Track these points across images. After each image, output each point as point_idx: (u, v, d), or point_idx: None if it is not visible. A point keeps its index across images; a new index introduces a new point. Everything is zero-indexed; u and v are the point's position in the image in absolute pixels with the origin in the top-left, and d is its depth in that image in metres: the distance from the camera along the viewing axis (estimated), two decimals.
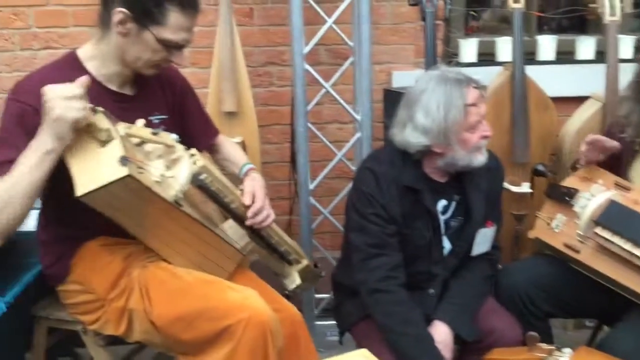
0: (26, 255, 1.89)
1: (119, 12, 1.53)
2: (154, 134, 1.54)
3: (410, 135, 1.77)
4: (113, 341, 1.78)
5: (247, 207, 1.76)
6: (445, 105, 1.71)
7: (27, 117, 1.51)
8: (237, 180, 1.86)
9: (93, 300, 1.69)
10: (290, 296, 1.98)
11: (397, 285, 1.78)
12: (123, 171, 1.36)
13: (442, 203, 1.88)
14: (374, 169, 1.82)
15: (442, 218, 1.88)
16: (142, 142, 1.54)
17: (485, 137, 1.79)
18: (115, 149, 1.42)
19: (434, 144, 1.76)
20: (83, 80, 1.43)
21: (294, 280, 1.97)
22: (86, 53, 1.66)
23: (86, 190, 1.37)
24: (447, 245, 1.90)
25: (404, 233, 1.82)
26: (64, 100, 1.38)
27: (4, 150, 1.51)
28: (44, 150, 1.40)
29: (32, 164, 1.40)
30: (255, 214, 1.76)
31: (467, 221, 1.90)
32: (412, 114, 1.77)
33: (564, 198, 1.97)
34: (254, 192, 1.78)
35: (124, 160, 1.37)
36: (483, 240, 1.92)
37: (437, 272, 1.89)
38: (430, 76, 1.79)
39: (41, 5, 2.68)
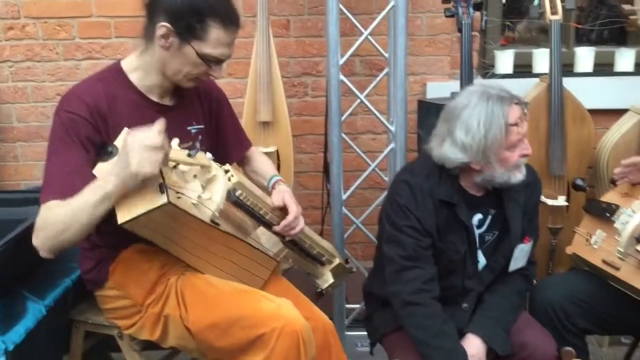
0: (66, 260, 1.93)
1: (163, 26, 1.56)
2: (189, 155, 1.54)
3: (448, 150, 1.74)
4: (148, 346, 1.81)
5: (278, 213, 1.77)
6: (486, 123, 1.68)
7: (77, 126, 1.55)
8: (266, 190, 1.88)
9: (130, 306, 1.73)
10: (322, 294, 1.98)
11: (431, 298, 1.76)
12: (162, 199, 1.39)
13: (477, 217, 1.86)
14: (409, 181, 1.80)
15: (477, 232, 1.86)
16: (178, 164, 1.55)
17: (525, 155, 1.76)
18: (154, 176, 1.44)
19: (472, 161, 1.73)
20: (162, 124, 1.41)
21: (327, 279, 1.99)
22: (130, 64, 1.70)
23: (127, 218, 1.41)
24: (481, 259, 1.88)
25: (439, 247, 1.80)
26: (144, 152, 1.37)
27: (59, 158, 1.54)
28: (106, 191, 1.41)
29: (93, 201, 1.42)
30: (288, 227, 1.77)
31: (505, 236, 1.87)
32: (451, 130, 1.73)
33: (604, 214, 1.94)
34: (284, 201, 1.79)
35: (163, 188, 1.40)
36: (520, 256, 1.90)
37: (471, 287, 1.87)
38: (472, 91, 1.75)
39: (85, 16, 2.76)
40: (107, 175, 1.44)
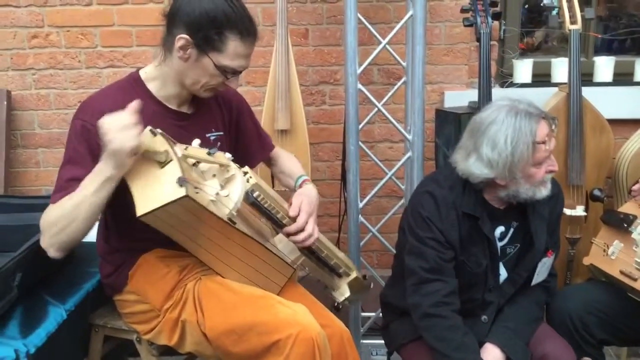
0: (86, 265, 1.97)
1: (181, 38, 1.58)
2: (209, 154, 1.58)
3: (473, 165, 1.72)
4: (166, 351, 1.83)
5: (293, 219, 1.76)
6: (514, 140, 1.65)
7: (90, 135, 1.57)
8: (291, 194, 1.88)
9: (148, 310, 1.75)
10: (339, 308, 1.98)
11: (451, 311, 1.74)
12: (181, 192, 1.41)
13: (499, 229, 1.84)
14: (433, 193, 1.78)
15: (499, 244, 1.84)
16: (198, 162, 1.58)
17: (551, 171, 1.74)
18: (173, 170, 1.47)
19: (497, 177, 1.71)
20: (134, 105, 1.48)
21: (343, 292, 1.98)
22: (148, 74, 1.73)
23: (146, 211, 1.42)
24: (503, 272, 1.87)
25: (460, 260, 1.78)
26: (119, 132, 1.44)
27: (70, 167, 1.59)
28: (104, 177, 1.48)
29: (93, 189, 1.48)
30: (297, 232, 1.73)
31: (527, 249, 1.85)
32: (477, 145, 1.71)
33: (622, 224, 1.93)
34: (300, 206, 1.76)
35: (182, 181, 1.42)
36: (543, 270, 1.89)
37: (492, 300, 1.86)
38: (500, 106, 1.71)
39: (107, 25, 2.81)
40: (99, 165, 1.49)
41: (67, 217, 1.50)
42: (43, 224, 1.54)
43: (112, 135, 1.44)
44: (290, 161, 2.06)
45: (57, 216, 1.52)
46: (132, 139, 1.44)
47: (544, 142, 1.68)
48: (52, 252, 1.54)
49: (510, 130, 1.65)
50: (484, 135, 1.69)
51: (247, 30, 1.61)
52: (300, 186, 1.90)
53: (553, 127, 1.71)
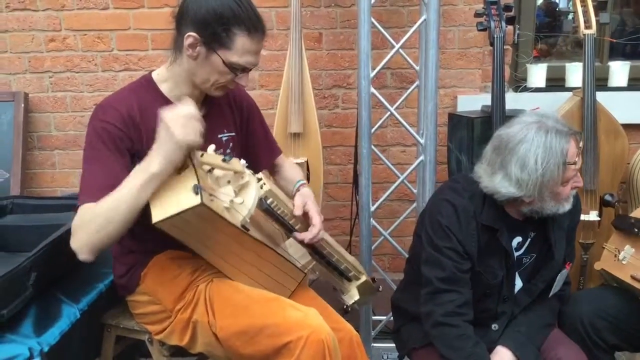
0: (100, 266, 1.98)
1: (190, 36, 1.59)
2: (224, 160, 1.57)
3: (500, 184, 1.68)
4: (177, 352, 1.85)
5: (303, 221, 1.78)
6: (544, 160, 1.60)
7: (111, 134, 1.59)
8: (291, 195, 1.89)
9: (160, 311, 1.76)
10: (347, 311, 1.99)
11: (463, 321, 1.73)
12: (196, 200, 1.41)
13: (517, 240, 1.82)
14: (454, 202, 1.75)
15: (515, 255, 1.82)
16: (213, 168, 1.58)
17: (576, 187, 1.71)
18: (189, 177, 1.48)
19: (524, 196, 1.67)
20: (190, 100, 1.48)
21: (353, 296, 1.98)
22: (160, 75, 1.74)
23: (161, 218, 1.43)
24: (518, 282, 1.85)
25: (477, 271, 1.76)
26: (183, 122, 1.44)
27: (97, 167, 1.57)
28: (149, 174, 1.46)
29: (137, 185, 1.46)
30: (314, 239, 1.77)
31: (544, 260, 1.83)
32: (505, 163, 1.66)
33: (633, 229, 1.92)
34: (306, 208, 1.79)
35: (197, 189, 1.42)
36: (560, 281, 1.87)
37: (505, 310, 1.84)
38: (528, 123, 1.66)
39: (124, 29, 2.84)
40: (145, 160, 1.47)
41: (105, 216, 1.46)
42: (77, 224, 1.50)
43: (175, 125, 1.43)
44: (293, 170, 2.06)
45: (94, 214, 1.47)
46: (196, 132, 1.45)
47: (574, 163, 1.65)
48: (84, 254, 1.49)
49: (541, 151, 1.61)
50: (512, 154, 1.65)
51: (255, 26, 1.62)
52: (298, 190, 1.90)
53: (581, 144, 1.68)
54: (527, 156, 1.62)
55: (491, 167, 1.71)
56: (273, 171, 2.07)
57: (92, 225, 1.48)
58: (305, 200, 1.81)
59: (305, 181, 1.96)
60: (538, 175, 1.62)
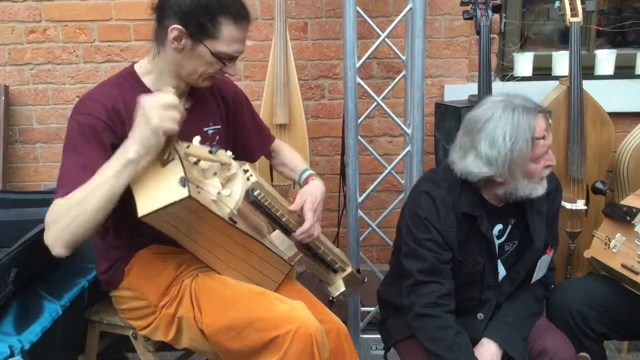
0: (82, 261, 1.95)
1: (174, 29, 1.56)
2: (211, 152, 1.55)
3: (472, 164, 1.69)
4: (162, 347, 1.82)
5: (296, 217, 1.77)
6: (513, 136, 1.62)
7: (95, 128, 1.54)
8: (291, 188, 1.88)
9: (144, 307, 1.74)
10: (333, 302, 1.98)
11: (444, 312, 1.72)
12: (183, 192, 1.38)
13: (498, 227, 1.82)
14: (432, 193, 1.76)
15: (497, 242, 1.82)
16: (199, 160, 1.56)
17: (548, 166, 1.72)
18: (175, 169, 1.45)
19: (496, 175, 1.69)
20: (172, 89, 1.45)
21: (339, 287, 1.98)
22: (143, 68, 1.70)
23: (147, 211, 1.40)
24: (501, 270, 1.85)
25: (458, 259, 1.77)
26: (161, 109, 1.40)
27: (76, 160, 1.52)
28: (125, 160, 1.41)
29: (112, 172, 1.41)
30: (305, 235, 1.77)
31: (525, 246, 1.84)
32: (475, 143, 1.68)
33: (625, 217, 1.92)
34: (303, 205, 1.79)
35: (184, 181, 1.39)
36: (542, 267, 1.87)
37: (489, 298, 1.84)
38: (495, 102, 1.69)
39: (105, 20, 2.79)
40: (122, 147, 1.43)
41: (78, 207, 1.41)
42: (49, 218, 1.45)
43: (153, 112, 1.40)
44: (291, 154, 2.05)
45: (66, 207, 1.42)
46: (173, 120, 1.42)
47: (543, 138, 1.66)
48: (58, 249, 1.44)
49: (509, 127, 1.63)
50: (481, 133, 1.67)
51: (240, 13, 1.59)
52: (306, 181, 1.89)
53: (550, 121, 1.69)
54: (495, 133, 1.64)
55: (463, 150, 1.73)
56: (269, 157, 2.04)
57: (63, 219, 1.43)
58: (305, 199, 1.79)
59: (312, 172, 1.94)
60: (507, 151, 1.63)
